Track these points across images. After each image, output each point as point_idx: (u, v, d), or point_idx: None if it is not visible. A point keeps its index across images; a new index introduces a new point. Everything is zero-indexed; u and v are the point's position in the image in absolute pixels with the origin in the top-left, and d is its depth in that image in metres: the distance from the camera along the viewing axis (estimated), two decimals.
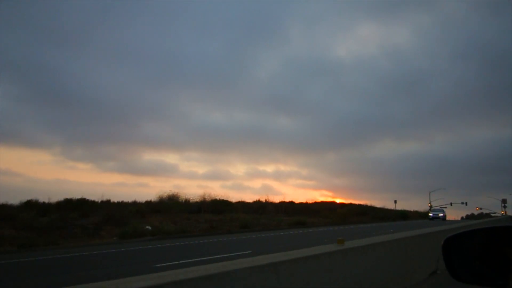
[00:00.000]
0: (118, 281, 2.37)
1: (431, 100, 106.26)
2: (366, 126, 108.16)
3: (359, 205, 52.50)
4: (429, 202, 68.89)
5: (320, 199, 59.84)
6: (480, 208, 78.29)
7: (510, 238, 1.38)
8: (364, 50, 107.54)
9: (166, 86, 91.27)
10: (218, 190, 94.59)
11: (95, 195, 31.38)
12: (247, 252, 12.99)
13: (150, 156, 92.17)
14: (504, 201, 64.81)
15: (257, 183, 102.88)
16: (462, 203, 70.17)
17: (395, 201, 56.21)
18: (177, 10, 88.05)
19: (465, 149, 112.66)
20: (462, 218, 75.77)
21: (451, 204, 69.78)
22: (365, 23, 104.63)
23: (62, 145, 75.51)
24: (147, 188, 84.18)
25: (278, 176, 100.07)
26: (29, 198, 28.34)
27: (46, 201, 28.39)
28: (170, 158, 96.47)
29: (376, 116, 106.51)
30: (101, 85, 78.49)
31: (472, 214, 79.98)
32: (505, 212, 63.87)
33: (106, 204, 31.00)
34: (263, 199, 42.17)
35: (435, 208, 55.16)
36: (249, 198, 45.51)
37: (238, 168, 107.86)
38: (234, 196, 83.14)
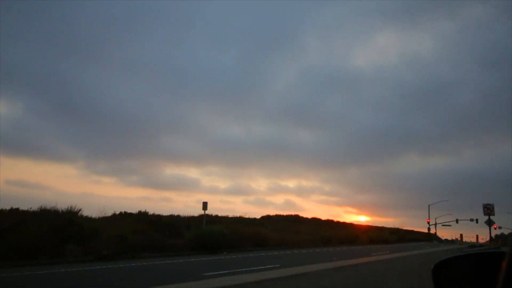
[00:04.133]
0: None
1: (458, 112, 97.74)
2: (389, 140, 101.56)
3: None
4: (428, 218, 58.75)
5: (344, 216, 56.43)
6: (500, 227, 64.33)
7: (499, 264, 1.45)
8: (384, 60, 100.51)
9: (184, 99, 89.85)
10: (241, 206, 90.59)
11: (129, 209, 30.59)
12: None
13: (171, 170, 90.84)
14: None
15: (279, 199, 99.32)
16: (472, 220, 57.87)
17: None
18: (191, 22, 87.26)
19: (494, 164, 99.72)
20: (491, 238, 58.99)
21: (456, 221, 60.68)
22: (384, 31, 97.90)
23: (85, 159, 75.00)
24: (171, 203, 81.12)
25: (300, 192, 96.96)
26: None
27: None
28: (192, 172, 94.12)
29: (399, 129, 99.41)
30: (121, 99, 78.27)
31: (502, 234, 61.75)
32: None
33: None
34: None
35: None
36: (273, 213, 44.02)
37: (259, 183, 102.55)
38: (257, 212, 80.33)
